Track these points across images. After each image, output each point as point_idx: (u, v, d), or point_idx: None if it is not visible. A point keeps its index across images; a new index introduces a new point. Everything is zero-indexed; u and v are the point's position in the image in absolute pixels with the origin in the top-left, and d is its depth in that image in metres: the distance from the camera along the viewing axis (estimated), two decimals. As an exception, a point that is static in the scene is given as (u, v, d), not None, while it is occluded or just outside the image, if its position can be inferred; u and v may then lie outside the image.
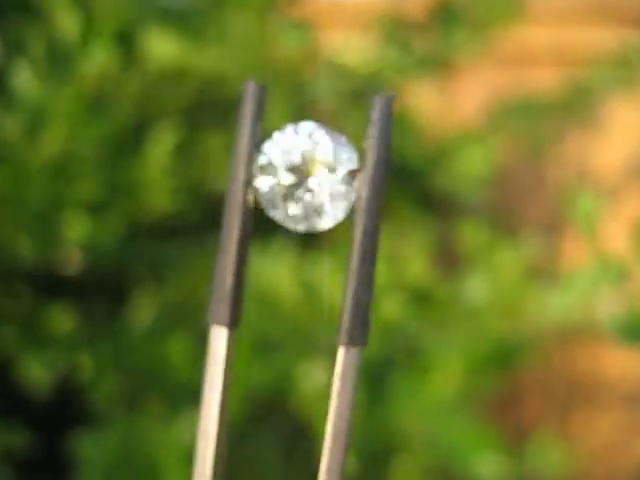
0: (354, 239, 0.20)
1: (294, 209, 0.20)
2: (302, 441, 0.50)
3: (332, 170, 0.20)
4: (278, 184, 0.20)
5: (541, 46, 0.94)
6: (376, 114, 0.20)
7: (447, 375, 0.49)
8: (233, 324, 0.21)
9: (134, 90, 0.51)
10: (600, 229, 0.56)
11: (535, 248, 0.63)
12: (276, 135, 0.20)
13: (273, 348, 0.49)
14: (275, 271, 0.52)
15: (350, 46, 0.69)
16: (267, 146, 0.20)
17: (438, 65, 0.77)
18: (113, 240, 0.56)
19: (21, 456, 0.55)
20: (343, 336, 0.20)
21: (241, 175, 0.20)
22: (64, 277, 0.59)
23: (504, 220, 0.88)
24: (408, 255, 0.60)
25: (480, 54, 0.81)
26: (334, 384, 0.20)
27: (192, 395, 0.54)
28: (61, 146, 0.47)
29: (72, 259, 0.59)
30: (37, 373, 0.55)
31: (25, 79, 0.47)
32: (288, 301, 0.52)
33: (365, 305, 0.20)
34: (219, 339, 0.21)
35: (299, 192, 0.20)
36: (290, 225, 0.21)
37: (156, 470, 0.49)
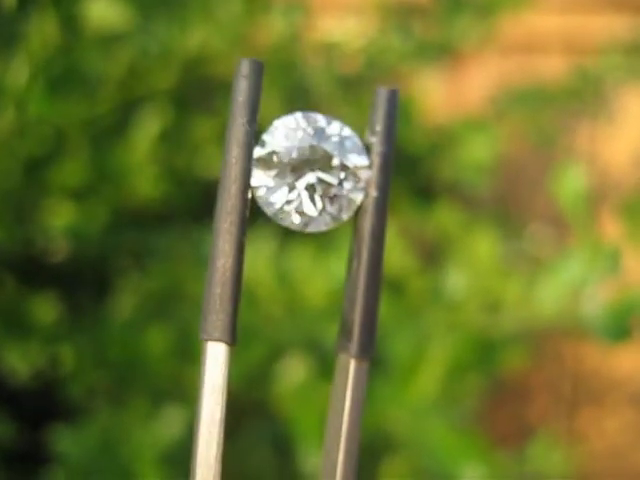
0: (360, 240, 0.18)
1: (294, 207, 0.18)
2: (286, 433, 0.48)
3: (337, 166, 0.18)
4: (278, 178, 0.18)
5: (549, 33, 0.91)
6: (380, 108, 0.18)
7: (428, 374, 0.46)
8: (232, 340, 0.18)
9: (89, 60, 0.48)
10: (597, 220, 0.54)
11: (537, 242, 0.60)
12: (277, 124, 0.18)
13: (248, 341, 0.47)
14: (253, 261, 0.50)
15: (347, 30, 0.67)
16: (266, 136, 0.18)
17: (441, 51, 0.75)
18: (97, 228, 0.55)
19: (4, 448, 0.54)
20: (355, 348, 0.18)
21: (236, 168, 0.18)
22: (47, 265, 0.58)
23: (509, 212, 0.86)
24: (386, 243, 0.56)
25: (486, 41, 0.79)
26: (346, 398, 0.19)
27: (174, 390, 0.53)
28: (15, 121, 0.45)
29: (55, 247, 0.57)
30: (17, 364, 0.53)
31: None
32: (264, 292, 0.50)
33: (374, 313, 0.18)
34: (217, 357, 0.19)
35: (300, 188, 0.18)
36: (289, 224, 0.18)
37: (135, 468, 0.48)
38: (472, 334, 0.48)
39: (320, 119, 0.18)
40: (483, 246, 0.53)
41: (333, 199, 0.18)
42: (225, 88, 0.60)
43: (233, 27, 0.54)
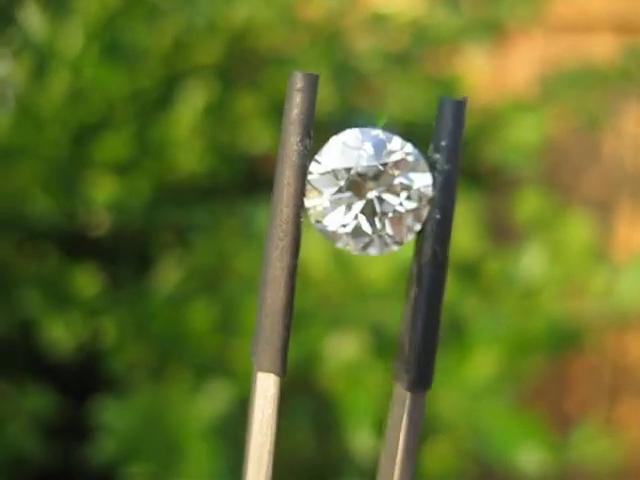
0: (421, 265, 0.17)
1: (352, 229, 0.17)
2: (331, 413, 0.48)
3: (397, 185, 0.17)
4: (333, 200, 0.17)
5: (598, 11, 0.89)
6: (446, 122, 0.17)
7: (490, 357, 0.45)
8: (283, 371, 0.18)
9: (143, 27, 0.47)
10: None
11: (592, 226, 0.58)
12: (333, 141, 0.17)
13: (302, 321, 0.46)
14: (306, 240, 0.49)
15: (395, 4, 0.66)
16: (322, 154, 0.17)
17: (489, 29, 0.73)
18: (140, 202, 0.54)
19: (48, 419, 0.54)
20: (411, 381, 0.17)
21: (288, 190, 0.16)
22: (90, 239, 0.58)
23: (554, 196, 0.84)
24: (455, 227, 0.55)
25: (533, 19, 0.77)
26: (401, 431, 0.18)
27: (218, 364, 0.52)
28: (70, 87, 0.44)
29: (99, 221, 0.57)
30: (60, 336, 0.53)
31: (32, 19, 0.44)
32: (318, 271, 0.49)
33: (433, 343, 0.17)
34: (270, 389, 0.18)
35: (357, 210, 0.17)
36: (346, 247, 0.17)
37: (179, 441, 0.47)
38: (546, 321, 0.47)
39: (380, 135, 0.17)
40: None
41: (393, 220, 0.17)
42: (271, 61, 0.59)
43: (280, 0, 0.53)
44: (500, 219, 0.68)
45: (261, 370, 0.17)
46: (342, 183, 0.17)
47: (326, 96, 0.54)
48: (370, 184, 0.17)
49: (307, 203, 0.17)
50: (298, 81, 0.16)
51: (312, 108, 0.16)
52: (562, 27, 0.88)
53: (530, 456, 0.43)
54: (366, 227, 0.17)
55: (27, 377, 0.56)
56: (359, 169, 0.17)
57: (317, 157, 0.17)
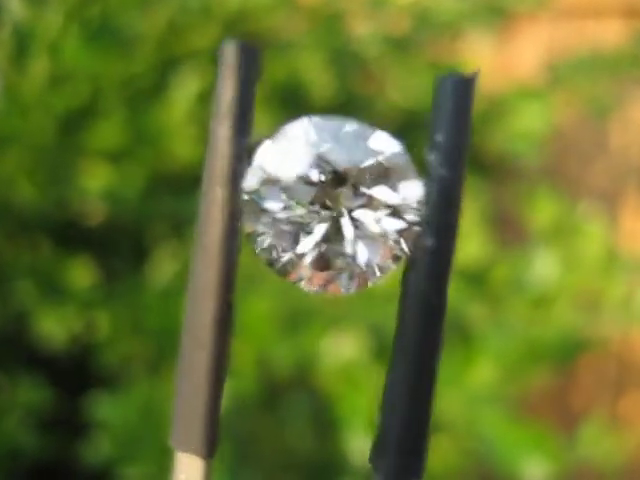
0: (407, 308, 0.12)
1: (312, 260, 0.12)
2: (329, 413, 0.46)
3: (376, 199, 0.11)
4: (287, 218, 0.11)
5: (607, -3, 0.87)
6: (445, 108, 0.11)
7: (494, 364, 0.43)
8: (209, 453, 0.13)
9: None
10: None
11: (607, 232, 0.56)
12: (282, 135, 0.11)
13: (300, 323, 0.45)
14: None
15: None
16: (263, 151, 0.11)
17: (494, 13, 0.71)
18: (134, 191, 0.53)
19: (43, 413, 0.53)
20: (390, 471, 0.12)
21: (217, 206, 0.11)
22: (84, 230, 0.56)
23: (559, 187, 0.82)
24: (461, 228, 0.53)
25: (540, 3, 0.75)
26: None
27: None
28: (51, 69, 0.43)
29: (92, 211, 0.56)
30: (53, 329, 0.52)
31: (12, 2, 0.42)
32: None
33: (424, 424, 0.12)
34: (191, 473, 0.14)
35: (318, 234, 0.11)
36: (304, 284, 0.12)
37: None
38: (560, 331, 0.44)
39: (351, 128, 0.11)
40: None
41: (370, 246, 0.12)
42: (268, 46, 0.58)
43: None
44: (506, 212, 0.67)
45: (179, 450, 0.13)
46: (297, 195, 0.11)
47: (325, 81, 0.53)
48: (338, 196, 0.11)
49: (247, 225, 0.12)
50: (230, 54, 0.11)
51: (251, 93, 0.11)
52: (569, 12, 0.86)
53: (534, 467, 0.42)
54: (333, 256, 0.12)
55: (21, 370, 0.55)
56: (321, 176, 0.11)
57: (257, 159, 0.11)
